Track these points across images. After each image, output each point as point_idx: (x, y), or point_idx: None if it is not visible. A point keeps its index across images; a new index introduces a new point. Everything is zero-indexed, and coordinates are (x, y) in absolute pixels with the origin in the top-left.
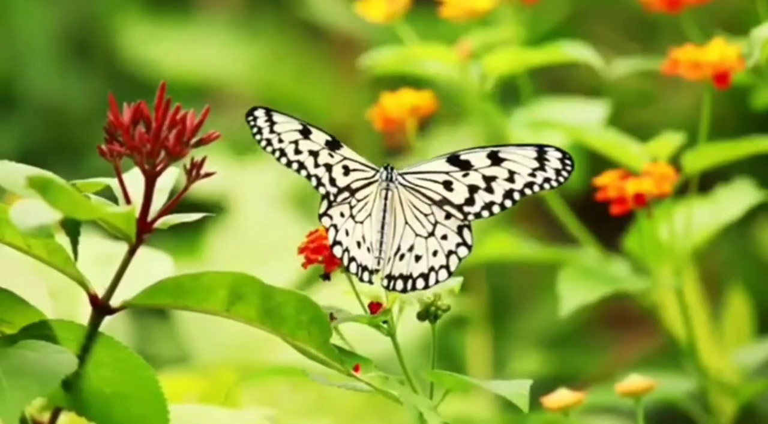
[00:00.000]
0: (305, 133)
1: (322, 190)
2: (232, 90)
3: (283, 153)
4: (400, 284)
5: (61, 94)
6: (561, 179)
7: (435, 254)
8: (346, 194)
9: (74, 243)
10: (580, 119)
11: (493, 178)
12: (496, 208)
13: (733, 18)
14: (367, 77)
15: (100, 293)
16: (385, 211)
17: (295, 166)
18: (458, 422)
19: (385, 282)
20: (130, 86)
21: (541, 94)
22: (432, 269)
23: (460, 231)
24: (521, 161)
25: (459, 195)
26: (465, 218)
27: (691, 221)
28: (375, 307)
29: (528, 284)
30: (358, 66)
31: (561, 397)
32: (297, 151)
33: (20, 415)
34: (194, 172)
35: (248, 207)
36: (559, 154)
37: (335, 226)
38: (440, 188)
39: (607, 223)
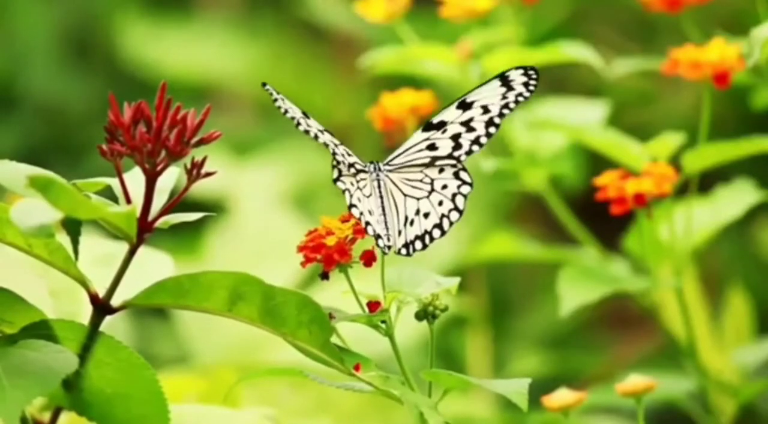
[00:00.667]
0: (307, 117)
1: (338, 157)
2: (232, 90)
3: (299, 123)
4: (419, 244)
5: (61, 94)
6: (531, 88)
7: (441, 203)
8: (353, 170)
9: (75, 243)
10: (580, 119)
11: (470, 120)
12: (483, 140)
13: (733, 18)
14: (367, 77)
15: (101, 292)
16: (381, 197)
17: (312, 133)
18: (458, 422)
19: (404, 251)
20: (130, 86)
21: (541, 94)
22: (443, 215)
23: (456, 175)
24: (490, 94)
25: (445, 148)
26: (458, 161)
27: (691, 221)
28: (373, 306)
29: (528, 284)
30: (358, 66)
31: (562, 397)
32: (308, 125)
33: (21, 414)
34: (195, 172)
35: (248, 207)
36: (521, 71)
37: (348, 190)
38: (426, 152)
39: (607, 223)
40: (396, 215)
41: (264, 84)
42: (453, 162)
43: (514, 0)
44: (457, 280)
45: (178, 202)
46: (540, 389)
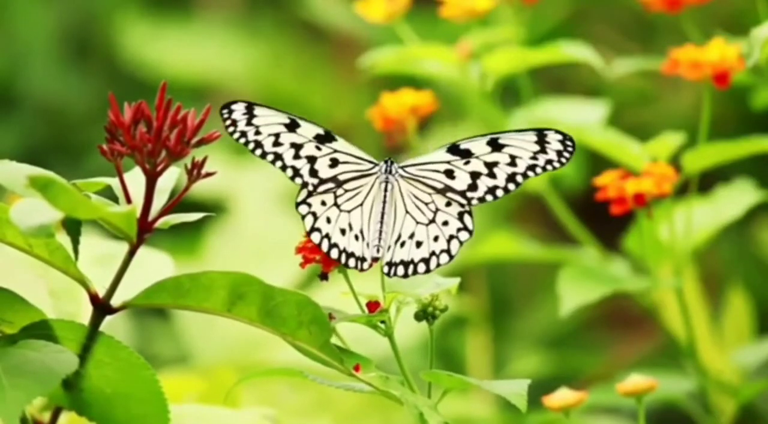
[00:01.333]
0: (292, 126)
1: (298, 180)
2: (232, 90)
3: (258, 145)
4: (401, 270)
5: (61, 94)
6: (563, 160)
7: (436, 239)
8: (330, 185)
9: (75, 243)
10: (580, 119)
11: (495, 164)
12: (499, 192)
13: (733, 18)
14: (367, 77)
15: (101, 292)
16: (384, 202)
17: (270, 157)
18: (458, 422)
19: (386, 269)
20: (130, 86)
21: (541, 94)
22: (433, 253)
23: (461, 217)
24: (522, 146)
25: (461, 182)
26: (468, 203)
27: (691, 221)
28: (373, 307)
29: (528, 284)
30: (358, 66)
31: (562, 396)
32: (276, 144)
33: (20, 414)
34: (195, 172)
35: (248, 207)
36: (559, 137)
37: (314, 213)
38: (442, 177)
39: (607, 223)
40: (392, 228)
41: (223, 107)
42: (463, 202)
43: (514, 0)
44: (456, 280)
45: (178, 202)
46: (540, 389)
